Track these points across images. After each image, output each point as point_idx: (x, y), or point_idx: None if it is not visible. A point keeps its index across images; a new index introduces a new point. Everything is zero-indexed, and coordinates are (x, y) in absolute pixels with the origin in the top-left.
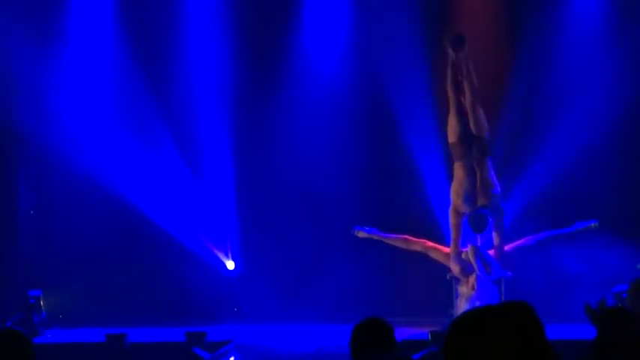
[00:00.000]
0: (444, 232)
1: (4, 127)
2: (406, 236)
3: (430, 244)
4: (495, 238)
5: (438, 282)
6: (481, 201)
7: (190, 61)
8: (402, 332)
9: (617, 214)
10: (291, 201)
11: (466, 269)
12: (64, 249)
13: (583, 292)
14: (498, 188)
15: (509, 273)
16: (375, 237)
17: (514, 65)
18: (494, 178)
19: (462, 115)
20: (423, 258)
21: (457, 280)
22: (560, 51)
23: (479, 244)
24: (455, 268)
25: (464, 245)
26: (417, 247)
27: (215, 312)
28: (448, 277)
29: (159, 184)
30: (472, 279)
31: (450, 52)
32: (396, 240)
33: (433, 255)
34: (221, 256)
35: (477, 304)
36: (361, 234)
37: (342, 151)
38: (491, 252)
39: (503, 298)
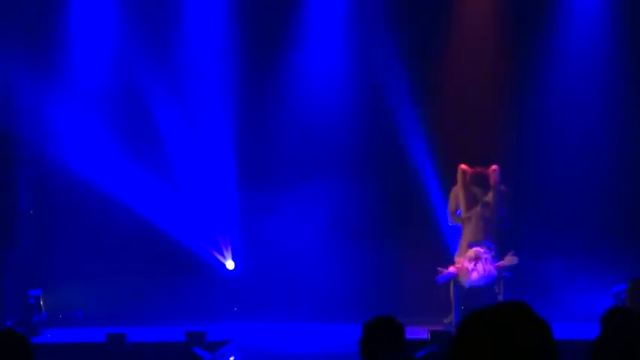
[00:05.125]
0: (443, 228)
1: (4, 128)
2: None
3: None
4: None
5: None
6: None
7: (188, 61)
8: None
9: (617, 214)
10: (292, 201)
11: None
12: (64, 249)
13: (583, 291)
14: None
15: (509, 273)
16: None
17: (514, 65)
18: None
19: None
20: (422, 258)
21: (456, 281)
22: (561, 51)
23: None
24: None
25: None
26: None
27: (215, 312)
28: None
29: (159, 183)
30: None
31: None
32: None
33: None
34: (221, 255)
35: (479, 270)
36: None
37: (343, 152)
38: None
39: (502, 297)
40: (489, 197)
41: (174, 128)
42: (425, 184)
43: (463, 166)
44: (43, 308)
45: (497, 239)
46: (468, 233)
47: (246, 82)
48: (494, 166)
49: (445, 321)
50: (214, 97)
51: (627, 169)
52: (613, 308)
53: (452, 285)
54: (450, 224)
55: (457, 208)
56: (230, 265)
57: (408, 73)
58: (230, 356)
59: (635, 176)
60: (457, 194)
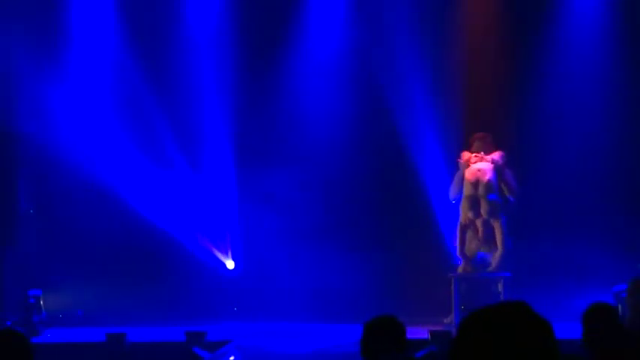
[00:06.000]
0: (443, 228)
1: (4, 127)
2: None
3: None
4: (498, 238)
5: (438, 282)
6: (484, 208)
7: (189, 59)
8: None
9: (617, 214)
10: (292, 201)
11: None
12: (64, 249)
13: (583, 291)
14: (496, 195)
15: (509, 273)
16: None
17: (514, 64)
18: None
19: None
20: (422, 258)
21: (456, 281)
22: (562, 51)
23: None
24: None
25: None
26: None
27: (215, 312)
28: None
29: (159, 183)
30: (479, 223)
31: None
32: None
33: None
34: (221, 255)
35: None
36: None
37: (344, 151)
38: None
39: (503, 297)
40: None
41: (175, 127)
42: (425, 184)
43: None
44: (43, 308)
45: (502, 215)
46: (465, 207)
47: (246, 81)
48: (499, 152)
49: (445, 321)
50: (214, 97)
51: (628, 168)
52: (592, 305)
53: (452, 285)
54: (451, 198)
55: (461, 187)
56: (230, 265)
57: (409, 72)
58: (230, 356)
59: (635, 175)
60: (461, 175)
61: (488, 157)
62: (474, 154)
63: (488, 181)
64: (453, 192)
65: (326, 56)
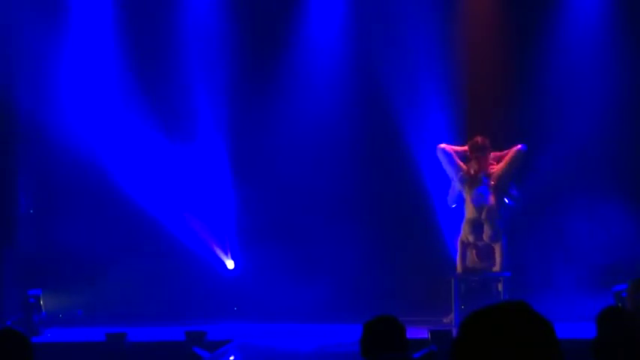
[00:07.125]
0: (444, 228)
1: (4, 124)
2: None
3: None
4: (497, 260)
5: (437, 282)
6: (486, 233)
7: (190, 52)
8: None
9: (617, 215)
10: (292, 201)
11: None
12: (64, 249)
13: (583, 290)
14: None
15: (509, 273)
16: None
17: (516, 64)
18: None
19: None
20: (422, 257)
21: (456, 281)
22: (563, 50)
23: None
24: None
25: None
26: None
27: (215, 312)
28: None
29: (159, 182)
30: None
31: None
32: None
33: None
34: (221, 255)
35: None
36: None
37: (343, 149)
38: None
39: (503, 297)
40: (498, 169)
41: (175, 125)
42: (426, 183)
43: (442, 145)
44: (43, 308)
45: (504, 235)
46: (468, 211)
47: (245, 76)
48: (518, 146)
49: (445, 321)
50: (214, 94)
51: (629, 168)
52: (608, 308)
53: (452, 285)
54: (450, 204)
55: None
56: (230, 264)
57: (409, 71)
58: (230, 356)
59: (636, 176)
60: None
61: (491, 183)
62: (473, 172)
63: (491, 205)
64: (451, 198)
65: (325, 53)
